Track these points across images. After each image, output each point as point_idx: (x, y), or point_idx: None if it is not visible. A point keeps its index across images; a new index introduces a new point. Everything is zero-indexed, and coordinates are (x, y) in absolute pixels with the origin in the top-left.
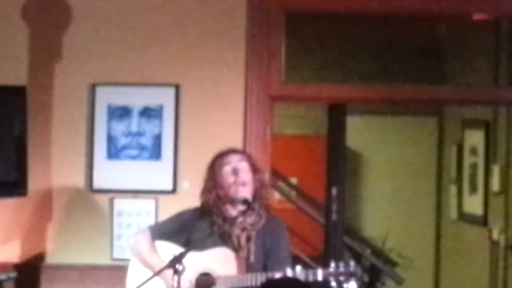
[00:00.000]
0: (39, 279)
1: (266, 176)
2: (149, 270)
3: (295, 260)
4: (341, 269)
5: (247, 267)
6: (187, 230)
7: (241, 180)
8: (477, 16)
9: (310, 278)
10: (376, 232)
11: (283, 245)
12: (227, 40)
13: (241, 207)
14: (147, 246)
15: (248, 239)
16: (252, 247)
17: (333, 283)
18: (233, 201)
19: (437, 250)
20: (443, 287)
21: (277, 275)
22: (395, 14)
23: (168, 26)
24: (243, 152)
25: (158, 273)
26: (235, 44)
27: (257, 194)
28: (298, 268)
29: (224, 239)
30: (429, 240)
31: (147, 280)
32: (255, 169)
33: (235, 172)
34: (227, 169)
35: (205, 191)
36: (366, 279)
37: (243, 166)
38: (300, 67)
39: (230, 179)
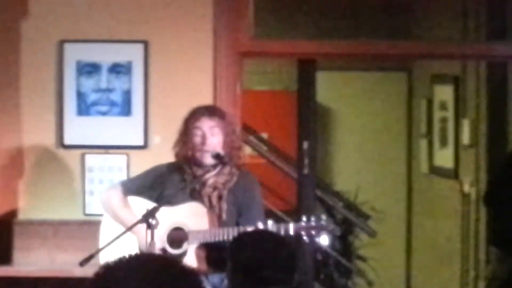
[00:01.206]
0: (12, 235)
1: (239, 138)
2: (121, 226)
3: (268, 215)
4: (313, 223)
5: (220, 225)
6: (160, 185)
7: (208, 149)
8: None
9: (282, 233)
10: (348, 186)
11: (255, 202)
12: None
13: (213, 161)
14: (119, 202)
15: (220, 198)
16: (224, 205)
17: (305, 237)
18: (200, 163)
19: (409, 203)
20: (415, 239)
21: (249, 229)
22: None
23: None
24: (218, 115)
25: (130, 228)
26: (203, 0)
27: (228, 151)
28: (270, 222)
29: (195, 197)
30: (401, 193)
31: (120, 235)
32: (227, 133)
33: (204, 138)
34: (196, 133)
35: (177, 144)
36: (338, 232)
37: (215, 132)
38: (269, 22)
39: (198, 144)
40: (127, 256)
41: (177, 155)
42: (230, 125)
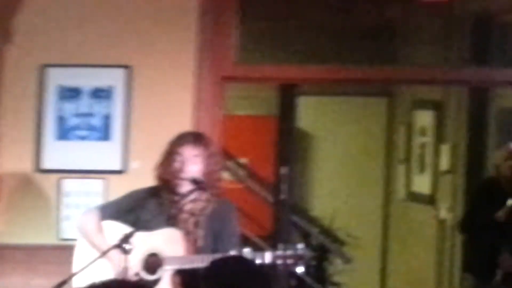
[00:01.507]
0: None
1: (219, 165)
2: (96, 251)
3: (245, 240)
4: (290, 252)
5: (196, 251)
6: (137, 210)
7: (185, 175)
8: None
9: (258, 261)
10: (324, 212)
11: (232, 229)
12: (178, 21)
13: (190, 187)
14: (94, 227)
15: (196, 224)
16: (200, 232)
17: (281, 266)
18: (174, 190)
19: (385, 229)
20: (390, 265)
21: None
22: None
23: (120, 6)
24: (202, 144)
25: (105, 253)
26: (186, 25)
27: (206, 178)
28: (246, 250)
29: (171, 223)
30: (377, 219)
31: (93, 261)
32: (209, 162)
33: (183, 165)
34: (177, 159)
35: (159, 167)
36: (314, 262)
37: (196, 161)
38: (251, 47)
39: (176, 170)
40: (100, 281)
41: (157, 177)
42: (213, 155)
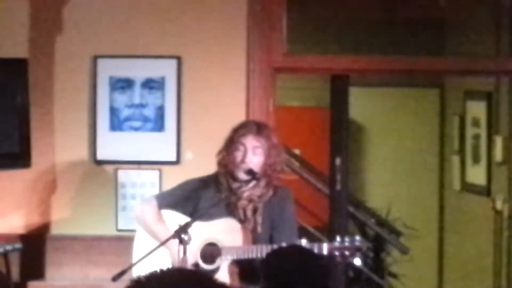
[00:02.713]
0: (44, 250)
1: (282, 153)
2: (155, 240)
3: (301, 231)
4: (347, 243)
5: (254, 238)
6: (194, 199)
7: (245, 166)
8: None
9: (315, 251)
10: (380, 203)
11: (289, 217)
12: (229, 11)
13: (246, 177)
14: (153, 215)
15: (255, 211)
16: (259, 218)
17: (338, 257)
18: (235, 177)
19: (441, 220)
20: (447, 256)
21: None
22: None
23: None
24: (264, 136)
25: (163, 243)
26: (237, 15)
27: (266, 168)
28: (304, 241)
29: (230, 210)
30: (433, 210)
31: (153, 250)
32: (270, 154)
33: (244, 155)
34: (239, 148)
35: (220, 153)
36: (371, 253)
37: (257, 152)
38: (302, 38)
39: (237, 159)
40: (159, 270)
41: (219, 163)
42: (275, 147)
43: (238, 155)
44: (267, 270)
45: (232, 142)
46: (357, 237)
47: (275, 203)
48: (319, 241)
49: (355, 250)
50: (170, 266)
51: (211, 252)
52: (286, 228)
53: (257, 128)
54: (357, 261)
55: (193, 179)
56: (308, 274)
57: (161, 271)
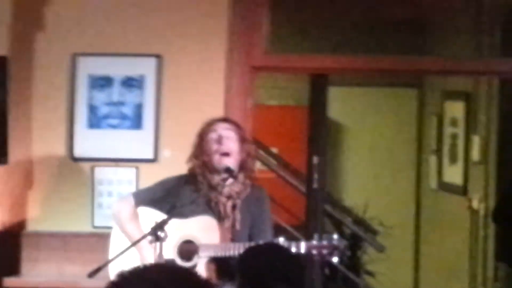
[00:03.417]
0: (20, 247)
1: (253, 147)
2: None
3: (277, 229)
4: (325, 242)
5: (233, 235)
6: (171, 197)
7: (224, 149)
8: None
9: (293, 250)
10: (356, 201)
11: (267, 215)
12: (209, 10)
13: (224, 175)
14: (128, 214)
15: (234, 207)
16: (238, 215)
17: (316, 256)
18: (216, 170)
19: (418, 219)
20: (423, 255)
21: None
22: None
23: None
24: (232, 122)
25: (136, 242)
26: (217, 14)
27: (243, 165)
28: (281, 239)
29: (210, 207)
30: (410, 209)
31: (126, 249)
32: (242, 139)
33: (219, 140)
34: (212, 136)
35: (192, 157)
36: (349, 252)
37: (229, 135)
38: (282, 37)
39: (214, 146)
40: (142, 265)
41: (192, 168)
42: (244, 133)
43: (213, 144)
44: (243, 268)
45: (202, 140)
46: (335, 236)
47: (252, 201)
48: (296, 239)
49: (332, 249)
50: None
51: (188, 249)
52: (264, 227)
53: (222, 118)
54: (335, 260)
55: (171, 177)
56: (284, 271)
57: (145, 266)
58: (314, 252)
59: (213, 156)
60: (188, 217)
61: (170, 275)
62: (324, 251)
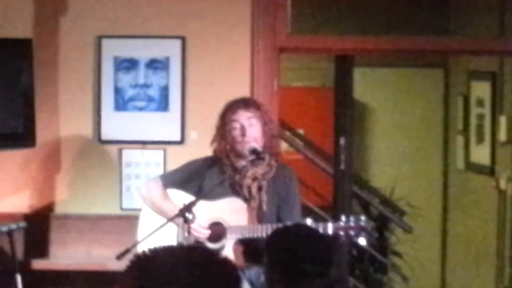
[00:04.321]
0: (49, 229)
1: (277, 127)
2: (162, 218)
3: (305, 210)
4: (351, 223)
5: (260, 216)
6: (199, 179)
7: (248, 139)
8: None
9: (320, 231)
10: (383, 182)
11: (294, 194)
12: None
13: (250, 157)
14: (159, 194)
15: (259, 188)
16: (264, 196)
17: (343, 237)
18: (241, 154)
19: (445, 199)
20: (451, 235)
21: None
22: None
23: None
24: (253, 106)
25: (170, 220)
26: None
27: (267, 145)
28: (309, 220)
29: (235, 189)
30: (437, 189)
31: (160, 227)
32: (265, 122)
33: (243, 130)
34: (235, 126)
35: (215, 140)
36: (376, 234)
37: (252, 123)
38: (306, 18)
39: (238, 137)
40: (168, 245)
41: (215, 151)
42: (266, 114)
43: (237, 134)
44: (271, 248)
45: (224, 124)
46: (362, 217)
47: (279, 181)
48: (324, 220)
49: (360, 230)
50: (175, 243)
51: (216, 231)
52: (292, 206)
53: (244, 102)
54: (362, 241)
55: (197, 159)
56: (312, 251)
57: (170, 245)
58: (341, 233)
59: (237, 145)
60: (216, 199)
61: (196, 254)
62: (351, 232)
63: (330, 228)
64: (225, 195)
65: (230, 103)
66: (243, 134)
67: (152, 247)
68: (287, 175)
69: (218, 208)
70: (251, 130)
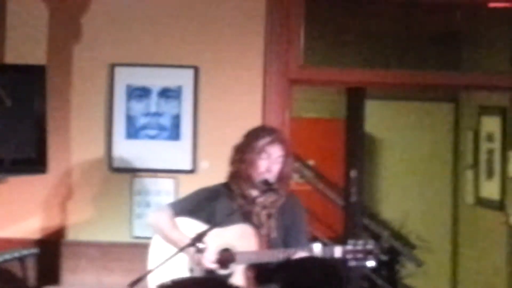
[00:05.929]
0: (60, 256)
1: (293, 160)
2: (172, 247)
3: (313, 241)
4: (359, 246)
5: (269, 243)
6: (208, 206)
7: (269, 175)
8: (493, 4)
9: (328, 255)
10: (394, 215)
11: (302, 223)
12: (246, 22)
13: (262, 187)
14: (168, 223)
15: (269, 216)
16: (273, 223)
17: (352, 261)
18: (253, 183)
19: (455, 234)
20: (461, 270)
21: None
22: (413, 0)
23: (188, 7)
24: (287, 143)
25: (181, 250)
26: (254, 26)
27: (281, 176)
28: (318, 245)
29: (245, 216)
30: (447, 224)
31: (171, 257)
32: (287, 162)
33: (270, 166)
34: (264, 157)
35: (233, 161)
36: (384, 257)
37: (280, 161)
38: (318, 50)
39: (261, 168)
40: (182, 278)
41: (234, 172)
42: (291, 155)
43: (262, 164)
44: (284, 281)
45: (252, 149)
46: (370, 241)
47: (287, 208)
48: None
49: (367, 253)
50: (186, 272)
51: (225, 257)
52: (299, 231)
53: (279, 136)
54: (371, 264)
55: (207, 187)
56: (324, 285)
57: (184, 278)
58: (349, 256)
59: (257, 175)
60: (226, 226)
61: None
62: (359, 256)
63: (338, 251)
64: (235, 222)
65: (261, 128)
66: (268, 170)
67: (175, 278)
68: (295, 203)
69: (227, 234)
70: (275, 167)
